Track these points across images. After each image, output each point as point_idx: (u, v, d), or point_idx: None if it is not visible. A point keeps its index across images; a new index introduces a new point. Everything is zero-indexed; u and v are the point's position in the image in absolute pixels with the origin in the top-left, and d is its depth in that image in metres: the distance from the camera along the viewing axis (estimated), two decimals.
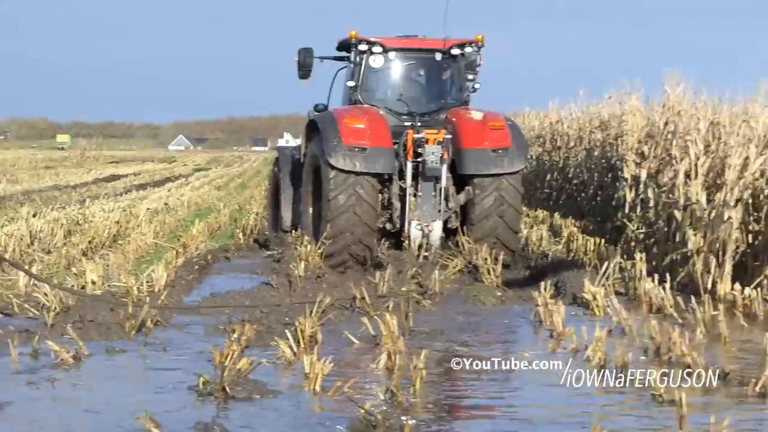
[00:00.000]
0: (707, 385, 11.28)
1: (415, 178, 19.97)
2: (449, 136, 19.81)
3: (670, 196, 19.69)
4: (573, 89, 33.39)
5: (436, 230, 20.12)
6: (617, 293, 16.85)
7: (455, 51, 21.10)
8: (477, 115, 19.78)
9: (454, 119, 20.13)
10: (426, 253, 19.90)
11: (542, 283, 16.51)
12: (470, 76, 21.04)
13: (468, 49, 21.08)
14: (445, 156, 19.62)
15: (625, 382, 11.42)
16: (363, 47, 21.30)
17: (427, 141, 19.80)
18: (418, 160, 19.89)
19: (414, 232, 19.98)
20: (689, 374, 11.61)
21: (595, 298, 16.02)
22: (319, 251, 19.22)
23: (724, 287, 17.17)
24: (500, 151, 19.25)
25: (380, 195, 20.05)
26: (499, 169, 19.35)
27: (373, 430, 9.01)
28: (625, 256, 19.58)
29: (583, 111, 31.67)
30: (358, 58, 21.42)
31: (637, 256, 18.45)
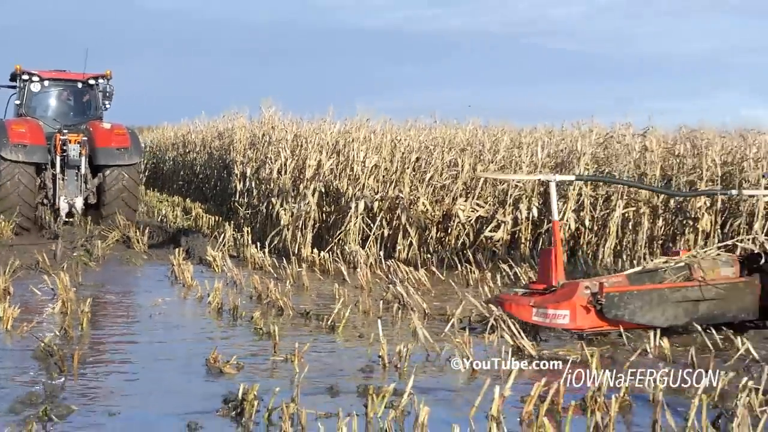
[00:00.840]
0: (297, 320, 11.53)
1: (62, 167, 20.69)
2: (86, 139, 20.62)
3: (268, 186, 19.96)
4: (198, 110, 33.82)
5: (78, 203, 20.72)
6: (231, 256, 16.97)
7: (91, 81, 22.00)
8: (106, 126, 21.27)
9: (90, 128, 21.03)
10: (70, 219, 20.72)
11: (177, 249, 16.53)
12: (104, 99, 21.72)
13: (101, 81, 21.94)
14: (83, 152, 20.43)
15: (236, 319, 11.54)
16: (25, 77, 21.97)
17: (70, 141, 20.59)
18: (65, 154, 20.62)
19: (62, 205, 20.62)
20: (280, 313, 11.84)
21: (215, 260, 16.09)
22: (11, 226, 19.34)
23: (306, 251, 17.47)
24: (122, 150, 20.38)
25: (38, 179, 20.68)
26: (121, 162, 20.45)
27: (51, 358, 8.84)
28: (236, 230, 19.69)
29: (206, 125, 31.72)
30: (22, 85, 22.06)
31: (245, 229, 18.67)
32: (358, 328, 10.83)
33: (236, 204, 21.54)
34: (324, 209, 18.36)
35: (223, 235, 18.77)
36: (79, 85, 22.09)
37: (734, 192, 13.04)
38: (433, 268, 15.19)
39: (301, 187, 18.54)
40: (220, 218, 21.94)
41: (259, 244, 17.66)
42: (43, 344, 9.09)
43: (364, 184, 17.78)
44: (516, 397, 7.04)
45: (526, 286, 11.48)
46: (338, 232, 17.51)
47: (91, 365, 9.06)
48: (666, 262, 11.16)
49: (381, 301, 12.37)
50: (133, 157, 20.68)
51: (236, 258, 17.08)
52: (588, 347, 8.90)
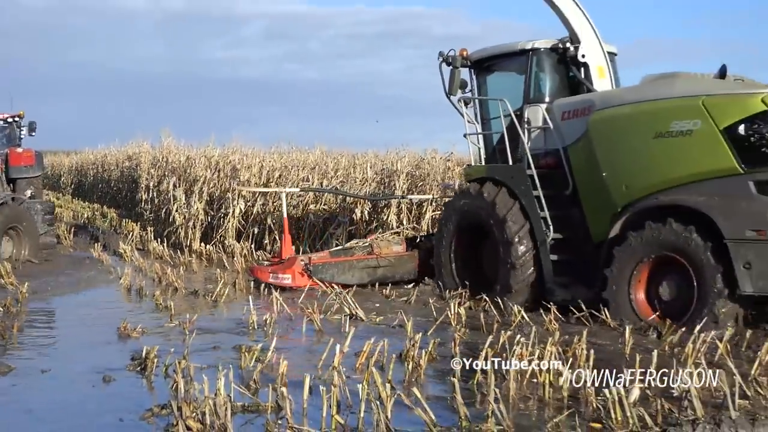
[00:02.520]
0: (188, 297, 11.29)
1: None
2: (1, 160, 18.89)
3: (166, 196, 19.47)
4: (113, 137, 32.72)
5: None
6: (138, 249, 16.53)
7: (9, 120, 20.12)
8: (19, 150, 18.87)
9: (8, 151, 19.08)
10: None
11: (96, 244, 15.94)
12: (20, 131, 19.77)
13: (17, 119, 20.13)
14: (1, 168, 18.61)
15: (141, 297, 11.24)
16: None
17: None
18: None
19: None
20: (175, 292, 11.59)
21: (125, 252, 15.64)
22: None
23: (196, 245, 17.19)
24: (28, 167, 18.37)
25: None
26: (27, 175, 18.07)
27: None
28: (142, 229, 19.17)
29: (118, 150, 30.79)
30: None
31: (149, 229, 18.21)
32: (235, 302, 10.65)
33: (142, 209, 20.92)
34: (209, 213, 18.04)
35: (131, 232, 18.23)
36: (1, 123, 19.95)
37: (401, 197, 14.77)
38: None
39: (192, 198, 18.18)
40: (130, 220, 21.29)
41: (159, 239, 17.23)
42: None
43: (239, 194, 17.52)
44: (352, 353, 7.01)
45: (269, 259, 13.41)
46: (220, 231, 17.25)
47: (27, 334, 8.66)
48: (357, 243, 12.79)
49: (252, 282, 12.22)
50: (36, 171, 18.78)
51: (142, 250, 16.62)
52: (406, 315, 8.91)
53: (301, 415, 5.36)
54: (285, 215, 13.34)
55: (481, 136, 11.13)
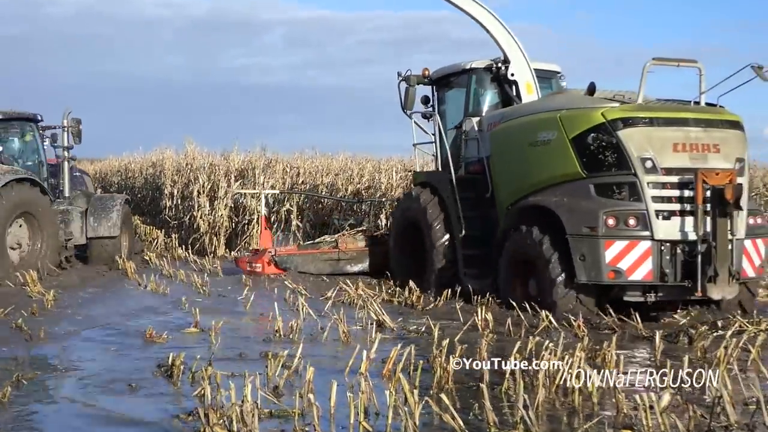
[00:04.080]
0: (213, 301, 11.32)
1: None
2: None
3: (190, 203, 19.58)
4: (137, 145, 32.84)
5: None
6: (163, 255, 16.59)
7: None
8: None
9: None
10: None
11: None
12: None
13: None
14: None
15: (167, 304, 11.25)
16: None
17: None
18: None
19: None
20: (200, 297, 11.62)
21: (150, 258, 15.78)
22: None
23: (221, 250, 17.27)
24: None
25: None
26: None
27: (22, 333, 8.46)
28: (166, 235, 19.29)
29: (143, 157, 30.89)
30: None
31: (173, 235, 18.33)
32: (261, 309, 10.66)
33: (167, 216, 21.04)
34: (233, 219, 18.12)
35: (156, 239, 18.36)
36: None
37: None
38: None
39: (216, 203, 18.28)
40: (154, 227, 21.42)
41: (184, 246, 17.34)
42: (14, 324, 8.71)
43: (265, 199, 17.58)
44: (379, 359, 7.00)
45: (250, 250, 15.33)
46: (244, 237, 17.32)
47: (52, 338, 8.73)
48: (325, 238, 14.67)
49: (277, 288, 12.25)
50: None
51: (167, 257, 16.70)
52: (432, 321, 8.90)
53: (328, 421, 5.36)
54: (263, 213, 15.21)
55: (438, 146, 12.79)
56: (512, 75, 11.77)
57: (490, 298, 10.43)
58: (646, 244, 9.23)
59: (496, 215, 11.22)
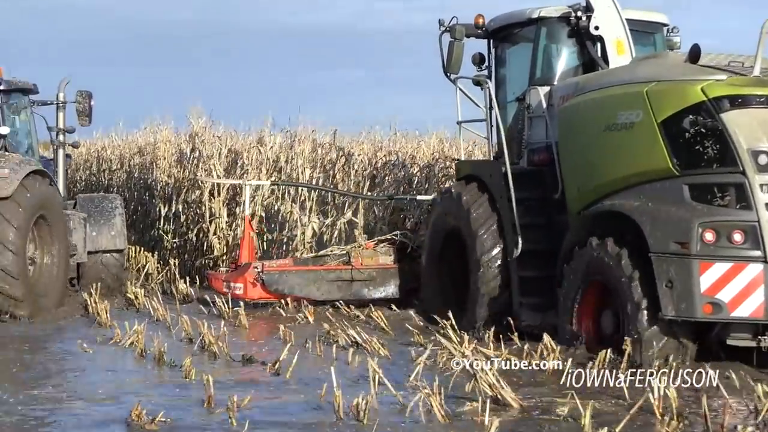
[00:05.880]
0: (234, 366, 11.37)
1: None
2: None
3: (198, 211, 19.76)
4: (112, 120, 32.58)
5: None
6: (155, 292, 16.79)
7: None
8: None
9: None
10: None
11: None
12: None
13: None
14: None
15: (161, 366, 11.36)
16: None
17: None
18: None
19: None
20: (214, 359, 11.70)
21: (137, 297, 15.93)
22: None
23: None
24: None
25: None
26: None
27: None
28: (161, 262, 19.50)
29: (123, 139, 31.29)
30: None
31: (171, 261, 18.53)
32: (308, 375, 10.66)
33: (161, 231, 21.31)
34: (265, 236, 18.21)
35: (144, 268, 18.58)
36: None
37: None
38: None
39: (238, 211, 18.39)
40: (142, 249, 21.70)
41: (188, 277, 17.50)
42: None
43: (311, 208, 17.65)
44: None
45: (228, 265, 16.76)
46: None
47: None
48: (332, 249, 15.77)
49: (334, 344, 12.28)
50: None
51: (162, 294, 16.84)
52: (581, 399, 8.78)
53: None
54: (247, 213, 16.20)
55: (491, 125, 13.73)
56: (596, 28, 12.49)
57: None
58: (756, 268, 9.90)
59: (567, 224, 12.06)
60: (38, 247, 14.94)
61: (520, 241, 12.45)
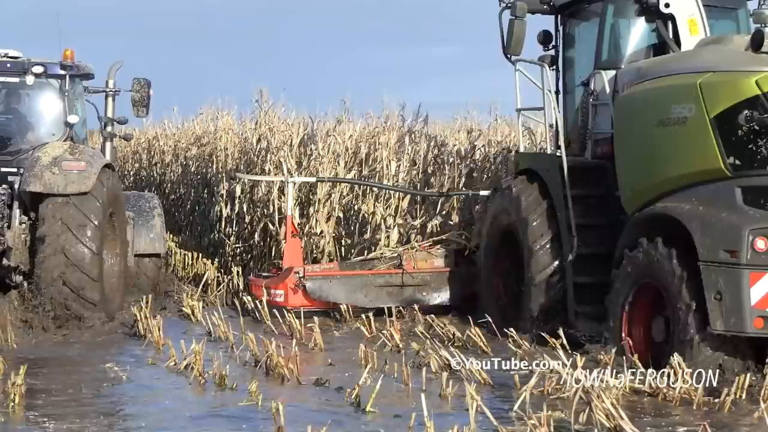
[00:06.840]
0: (307, 393, 11.43)
1: None
2: None
3: (265, 211, 19.84)
4: (168, 106, 32.55)
5: None
6: (215, 305, 16.91)
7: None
8: None
9: None
10: None
11: (139, 300, 16.39)
12: None
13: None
14: None
15: (224, 392, 11.46)
16: None
17: None
18: None
19: None
20: (286, 381, 11.77)
21: (194, 311, 16.05)
22: None
23: None
24: None
25: None
26: None
27: None
28: (223, 270, 19.61)
29: (178, 128, 31.36)
30: None
31: (235, 270, 18.63)
32: (395, 404, 10.73)
33: (222, 235, 21.45)
34: (343, 240, 18.27)
35: (202, 278, 18.71)
36: None
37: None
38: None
39: (311, 210, 18.47)
40: (200, 254, 21.86)
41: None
42: None
43: (398, 207, 17.67)
44: None
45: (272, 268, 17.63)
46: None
47: None
48: (383, 253, 16.51)
49: (424, 367, 12.27)
50: None
51: (224, 308, 16.96)
52: None
53: None
54: (290, 212, 16.94)
55: (560, 114, 14.18)
56: (666, 6, 12.92)
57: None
58: None
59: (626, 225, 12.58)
60: (106, 247, 15.56)
61: (575, 244, 13.15)
